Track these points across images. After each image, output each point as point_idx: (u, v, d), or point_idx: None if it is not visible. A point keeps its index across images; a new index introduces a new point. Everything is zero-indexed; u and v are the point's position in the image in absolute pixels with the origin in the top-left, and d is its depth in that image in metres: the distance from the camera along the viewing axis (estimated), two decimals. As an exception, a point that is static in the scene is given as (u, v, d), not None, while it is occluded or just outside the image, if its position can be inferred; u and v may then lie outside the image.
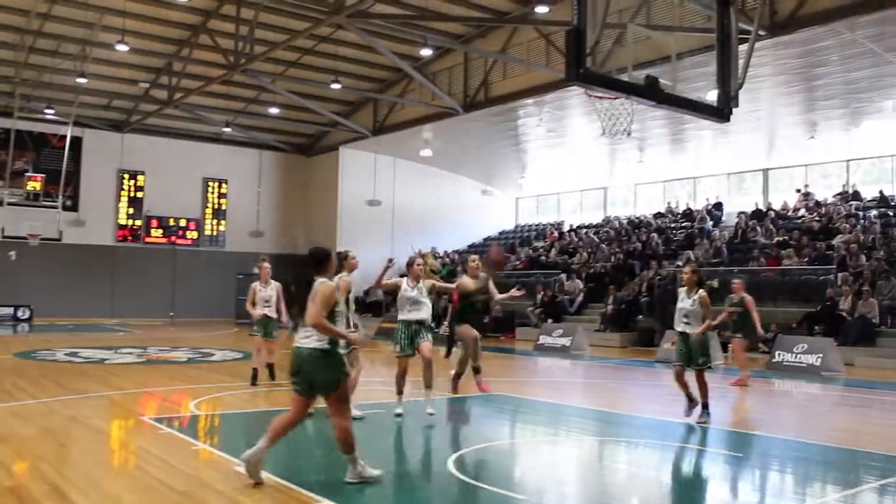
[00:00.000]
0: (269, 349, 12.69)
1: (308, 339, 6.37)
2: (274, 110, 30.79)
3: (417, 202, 34.59)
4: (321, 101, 30.49)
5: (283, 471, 6.80)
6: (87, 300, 31.00)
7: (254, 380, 12.47)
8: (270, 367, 12.77)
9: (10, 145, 28.89)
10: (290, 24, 24.17)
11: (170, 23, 25.32)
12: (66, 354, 17.28)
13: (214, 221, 34.34)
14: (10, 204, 28.74)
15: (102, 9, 23.71)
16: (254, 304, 12.44)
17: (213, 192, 34.43)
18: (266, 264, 12.85)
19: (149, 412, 10.16)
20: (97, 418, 9.76)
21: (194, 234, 33.63)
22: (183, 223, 33.49)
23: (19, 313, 29.84)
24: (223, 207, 34.58)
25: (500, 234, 37.44)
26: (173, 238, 33.11)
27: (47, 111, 29.44)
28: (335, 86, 26.63)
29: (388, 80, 29.98)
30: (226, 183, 34.70)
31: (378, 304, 30.76)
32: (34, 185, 29.18)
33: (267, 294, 12.43)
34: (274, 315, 12.43)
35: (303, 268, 6.57)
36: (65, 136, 29.86)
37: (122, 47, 23.81)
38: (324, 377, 6.35)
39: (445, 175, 35.53)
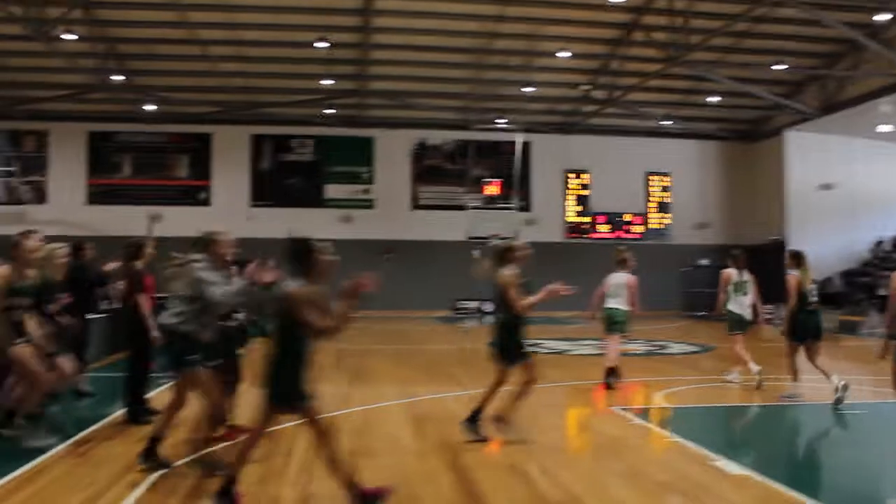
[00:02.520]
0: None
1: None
2: (713, 98, 30.26)
3: (881, 183, 31.62)
4: (762, 85, 29.33)
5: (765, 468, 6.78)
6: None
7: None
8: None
9: (470, 155, 31.90)
10: (726, 9, 23.63)
11: (605, 24, 26.11)
12: (529, 346, 18.58)
13: (659, 215, 34.69)
14: (472, 208, 31.62)
15: (542, 21, 25.21)
16: None
17: (656, 186, 34.80)
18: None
19: (616, 402, 10.61)
20: (569, 406, 10.48)
21: (640, 228, 34.29)
22: (628, 218, 34.32)
23: (483, 307, 32.73)
24: (667, 200, 34.78)
25: None
26: (619, 233, 34.04)
27: (499, 121, 31.97)
28: (778, 66, 25.43)
29: (836, 54, 27.93)
30: (668, 176, 34.86)
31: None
32: (492, 189, 31.85)
33: None
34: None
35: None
36: (515, 143, 32.18)
37: (563, 54, 25.09)
38: None
39: (911, 151, 32.14)
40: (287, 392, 5.46)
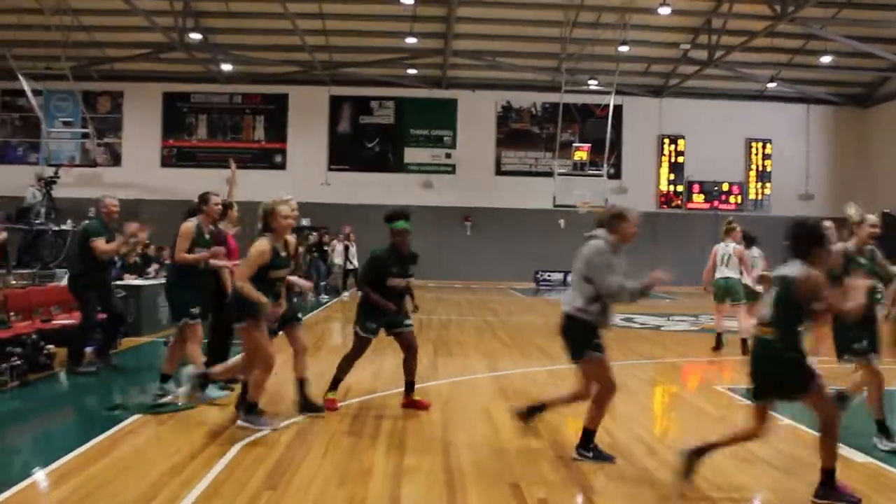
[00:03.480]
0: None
1: None
2: (826, 59, 29.12)
3: None
4: (881, 43, 28.12)
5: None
6: (630, 267, 32.35)
7: None
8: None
9: (559, 118, 31.42)
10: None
11: (710, -23, 25.41)
12: (622, 320, 18.36)
13: (759, 185, 33.79)
14: (560, 174, 31.18)
15: (643, -27, 24.61)
16: None
17: (756, 154, 33.87)
18: None
19: (721, 381, 10.33)
20: (671, 383, 10.25)
21: (737, 199, 33.45)
22: (725, 187, 33.52)
23: (568, 279, 32.46)
24: (768, 169, 33.83)
25: None
26: (715, 203, 33.29)
27: (590, 82, 31.41)
28: (903, 22, 24.35)
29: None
30: (770, 143, 33.87)
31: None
32: (581, 154, 31.30)
33: None
34: None
35: None
36: (607, 106, 31.54)
37: (664, 10, 24.39)
38: None
39: None
40: (792, 374, 5.39)
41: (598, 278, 6.07)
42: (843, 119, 34.06)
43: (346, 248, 25.33)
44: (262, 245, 6.97)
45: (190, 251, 8.29)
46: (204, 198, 8.49)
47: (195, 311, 8.30)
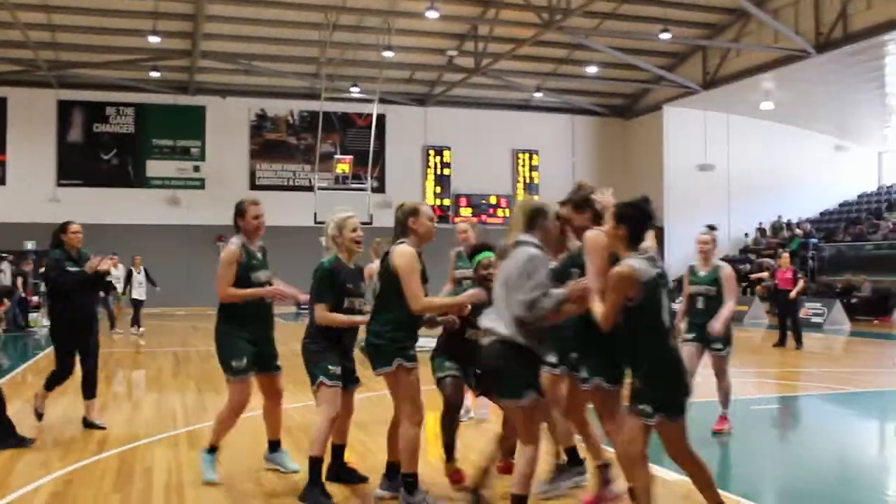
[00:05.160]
0: None
1: None
2: (591, 69, 30.83)
3: (757, 164, 33.24)
4: (642, 56, 30.16)
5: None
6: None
7: None
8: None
9: (318, 128, 31.24)
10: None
11: (477, -19, 26.26)
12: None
13: (527, 197, 35.16)
14: (320, 188, 30.97)
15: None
16: None
17: (523, 165, 35.29)
18: None
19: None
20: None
21: (506, 212, 34.64)
22: (493, 200, 34.66)
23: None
24: (535, 181, 35.34)
25: (860, 197, 35.18)
26: (483, 217, 34.27)
27: (352, 90, 31.56)
28: (664, 35, 26.14)
29: (720, 24, 29.02)
30: (537, 154, 35.42)
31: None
32: (342, 167, 31.24)
33: None
34: None
35: None
36: (370, 115, 31.75)
37: (431, 14, 24.86)
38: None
39: (791, 131, 33.92)
40: None
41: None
42: (606, 130, 36.25)
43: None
44: (412, 252, 5.90)
45: (246, 281, 6.81)
46: (240, 208, 6.92)
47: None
